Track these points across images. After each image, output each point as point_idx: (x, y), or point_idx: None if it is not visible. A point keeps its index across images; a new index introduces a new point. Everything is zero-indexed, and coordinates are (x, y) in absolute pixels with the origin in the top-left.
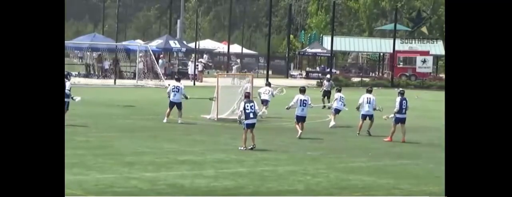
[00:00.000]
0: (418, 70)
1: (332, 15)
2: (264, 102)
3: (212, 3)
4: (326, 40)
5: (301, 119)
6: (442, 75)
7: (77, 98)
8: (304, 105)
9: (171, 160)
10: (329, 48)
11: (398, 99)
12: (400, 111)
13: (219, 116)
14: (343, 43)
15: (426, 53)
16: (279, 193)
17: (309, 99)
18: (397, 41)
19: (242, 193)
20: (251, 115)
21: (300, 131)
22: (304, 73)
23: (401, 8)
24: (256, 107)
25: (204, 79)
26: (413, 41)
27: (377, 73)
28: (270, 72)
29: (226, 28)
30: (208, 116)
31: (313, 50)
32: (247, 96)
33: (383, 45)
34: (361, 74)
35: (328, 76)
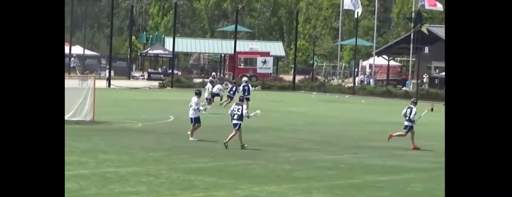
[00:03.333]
0: (258, 71)
1: (174, 16)
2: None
3: None
4: (168, 41)
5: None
6: (282, 76)
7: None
8: (191, 107)
9: None
10: (171, 49)
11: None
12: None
13: None
14: (185, 44)
15: (267, 54)
16: (122, 194)
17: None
18: (238, 42)
19: (85, 195)
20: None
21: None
22: (146, 74)
23: (242, 9)
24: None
25: None
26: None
27: (218, 73)
28: (112, 73)
29: (67, 29)
30: None
31: (155, 51)
32: (241, 100)
33: (225, 46)
34: (202, 75)
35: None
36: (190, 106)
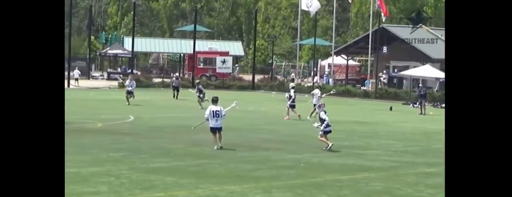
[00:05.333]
0: (218, 70)
1: (133, 16)
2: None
3: None
4: (127, 41)
5: (215, 130)
6: (242, 75)
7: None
8: (217, 115)
9: None
10: (130, 49)
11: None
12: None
13: None
14: (144, 44)
15: (226, 53)
16: (83, 194)
17: (222, 109)
18: (198, 41)
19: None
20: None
21: (219, 143)
22: (105, 74)
23: (200, 9)
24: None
25: None
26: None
27: (178, 73)
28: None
29: None
30: None
31: (114, 51)
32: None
33: (184, 46)
34: (162, 75)
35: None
36: (217, 115)
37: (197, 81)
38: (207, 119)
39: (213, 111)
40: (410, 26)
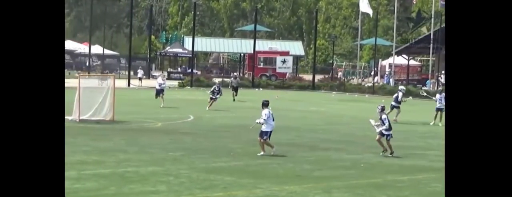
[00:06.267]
0: (278, 70)
1: (194, 16)
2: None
3: (73, 3)
4: (188, 40)
5: (266, 134)
6: (301, 75)
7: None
8: (268, 120)
9: None
10: (190, 48)
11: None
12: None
13: (81, 117)
14: (204, 44)
15: (286, 53)
16: (142, 193)
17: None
18: (258, 41)
19: (105, 194)
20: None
21: (273, 148)
22: (166, 74)
23: (261, 9)
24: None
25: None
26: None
27: (238, 73)
28: (131, 73)
29: (87, 29)
30: (70, 117)
31: (175, 51)
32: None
33: (244, 46)
34: (222, 75)
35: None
36: (268, 119)
37: (217, 80)
38: (262, 123)
39: (271, 113)
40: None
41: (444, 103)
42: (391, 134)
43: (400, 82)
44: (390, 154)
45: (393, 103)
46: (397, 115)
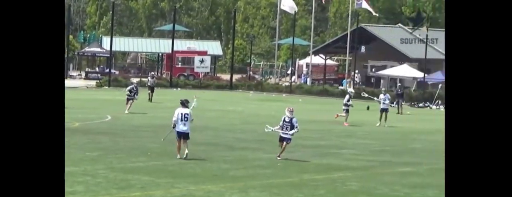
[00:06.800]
0: (196, 70)
1: (112, 16)
2: None
3: None
4: (106, 40)
5: (181, 135)
6: (219, 75)
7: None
8: (185, 119)
9: None
10: (108, 48)
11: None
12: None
13: None
14: (122, 43)
15: (204, 53)
16: None
17: (191, 113)
18: (176, 41)
19: None
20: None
21: (185, 151)
22: (83, 74)
23: (179, 8)
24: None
25: None
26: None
27: (156, 73)
28: None
29: None
30: None
31: (93, 50)
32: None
33: (162, 45)
34: (140, 74)
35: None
36: (185, 119)
37: (135, 80)
38: (174, 126)
39: (182, 114)
40: (392, 26)
41: (388, 103)
42: (284, 137)
43: (317, 82)
44: (278, 156)
45: (345, 107)
46: (347, 118)
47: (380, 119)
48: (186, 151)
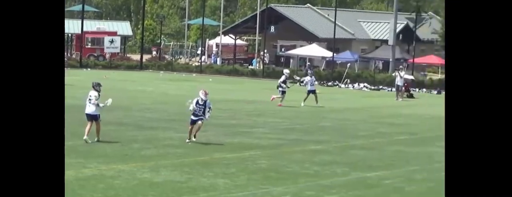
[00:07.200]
0: (106, 50)
1: None
2: None
3: None
4: None
5: (89, 117)
6: (129, 55)
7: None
8: (90, 101)
9: None
10: None
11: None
12: None
13: None
14: None
15: (114, 33)
16: None
17: (98, 98)
18: (86, 21)
19: None
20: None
21: (97, 135)
22: None
23: None
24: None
25: None
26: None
27: (66, 53)
28: None
29: None
30: None
31: None
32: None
33: (72, 26)
34: None
35: None
36: (89, 101)
37: None
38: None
39: (90, 96)
40: (301, 5)
41: (315, 85)
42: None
43: (227, 61)
44: (188, 139)
45: (280, 89)
46: (282, 100)
47: (305, 100)
48: (98, 136)
